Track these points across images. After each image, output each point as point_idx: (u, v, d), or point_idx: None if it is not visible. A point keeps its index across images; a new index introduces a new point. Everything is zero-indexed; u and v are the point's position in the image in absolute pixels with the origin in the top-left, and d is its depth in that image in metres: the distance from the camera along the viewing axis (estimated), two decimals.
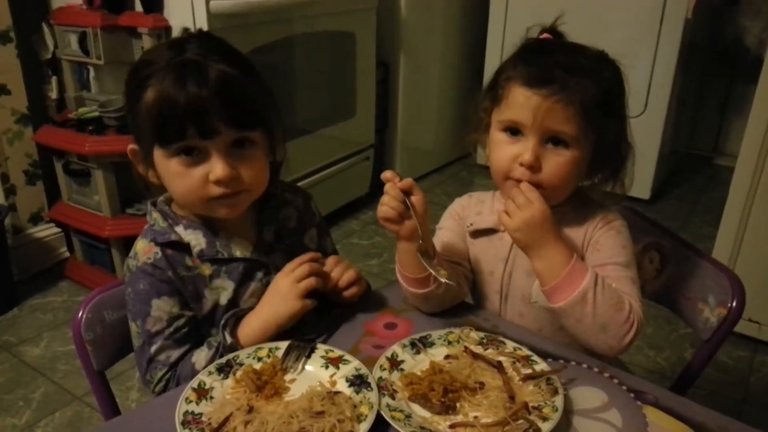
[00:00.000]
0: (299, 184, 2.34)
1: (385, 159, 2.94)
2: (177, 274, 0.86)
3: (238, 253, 0.89)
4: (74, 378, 1.71)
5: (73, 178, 2.08)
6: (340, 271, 0.91)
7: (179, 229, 0.88)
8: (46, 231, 2.25)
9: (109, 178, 1.98)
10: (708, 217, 2.71)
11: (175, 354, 0.86)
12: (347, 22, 2.45)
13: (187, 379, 0.82)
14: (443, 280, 0.82)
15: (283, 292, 0.86)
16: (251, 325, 0.86)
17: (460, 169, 3.27)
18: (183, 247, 0.87)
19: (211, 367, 0.78)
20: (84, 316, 0.91)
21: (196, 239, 0.87)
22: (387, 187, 0.85)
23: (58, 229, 2.26)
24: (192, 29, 1.82)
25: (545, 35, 0.91)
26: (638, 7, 2.61)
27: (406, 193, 0.84)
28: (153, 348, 0.85)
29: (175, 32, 1.90)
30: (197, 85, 0.78)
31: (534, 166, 0.86)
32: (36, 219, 2.22)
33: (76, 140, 1.94)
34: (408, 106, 2.89)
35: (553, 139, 0.86)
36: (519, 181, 0.86)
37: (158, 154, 0.82)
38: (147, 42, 1.88)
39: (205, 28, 1.86)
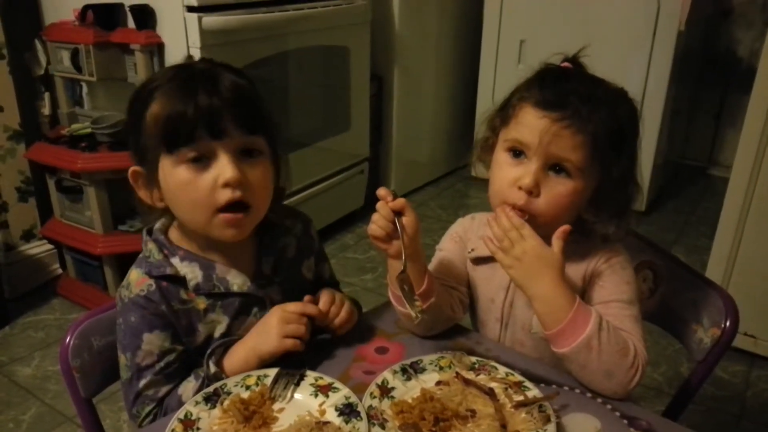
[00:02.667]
0: (294, 197, 2.34)
1: (380, 172, 2.93)
2: (171, 307, 0.84)
3: (235, 288, 0.87)
4: (65, 398, 1.69)
5: (66, 194, 2.07)
6: (334, 313, 0.89)
7: (175, 261, 0.86)
8: (38, 248, 2.23)
9: (101, 194, 1.97)
10: (703, 229, 2.70)
11: (164, 389, 0.84)
12: (341, 36, 2.45)
13: (174, 410, 0.81)
14: (413, 314, 0.81)
15: (269, 328, 0.84)
16: (238, 353, 0.85)
17: (455, 181, 3.26)
18: (178, 280, 0.85)
19: (198, 397, 0.76)
20: (71, 342, 0.89)
21: (192, 272, 0.85)
22: (379, 205, 0.84)
23: (50, 246, 2.25)
24: (187, 48, 1.86)
25: (566, 64, 0.90)
26: (631, 19, 2.62)
27: (398, 213, 0.83)
28: (142, 383, 0.83)
29: (168, 49, 1.91)
30: (209, 89, 0.78)
31: (532, 191, 0.84)
32: (28, 236, 2.21)
33: (68, 157, 1.93)
34: (402, 119, 2.89)
35: (556, 167, 0.84)
36: (514, 206, 0.84)
37: (165, 164, 0.80)
38: (139, 59, 1.87)
39: (198, 44, 1.86)
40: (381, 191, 0.84)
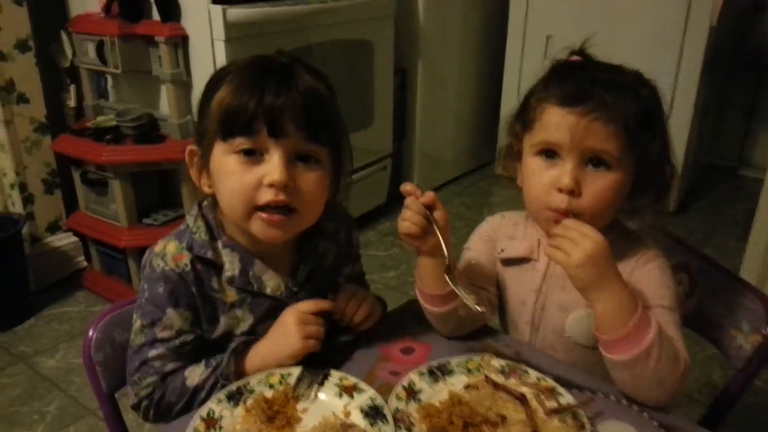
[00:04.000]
0: None
1: (403, 168, 2.90)
2: (201, 291, 0.82)
3: (268, 290, 0.85)
4: (89, 391, 1.66)
5: (91, 187, 2.08)
6: (353, 310, 0.87)
7: (218, 245, 0.84)
8: (63, 240, 2.25)
9: (126, 187, 1.97)
10: (734, 230, 2.64)
11: (171, 365, 0.82)
12: (364, 30, 2.43)
13: (175, 391, 0.81)
14: (477, 308, 0.75)
15: (287, 330, 0.81)
16: (252, 359, 0.82)
17: (478, 179, 3.23)
18: (215, 267, 0.83)
19: (221, 395, 0.75)
20: (94, 336, 0.89)
21: (231, 262, 0.83)
22: (408, 201, 0.80)
23: (75, 239, 2.26)
24: (211, 41, 1.84)
25: (575, 57, 0.87)
26: (661, 13, 2.56)
27: (429, 207, 0.80)
28: (153, 353, 0.82)
29: (193, 42, 1.90)
30: (279, 84, 0.75)
31: (574, 191, 0.80)
32: (54, 228, 2.22)
33: (93, 149, 1.94)
34: (426, 115, 2.86)
35: (594, 161, 0.80)
36: (557, 211, 0.81)
37: (218, 150, 0.78)
38: (164, 51, 1.87)
39: (222, 36, 1.85)
40: (407, 187, 0.80)
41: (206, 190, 0.83)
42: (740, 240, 2.50)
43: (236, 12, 1.86)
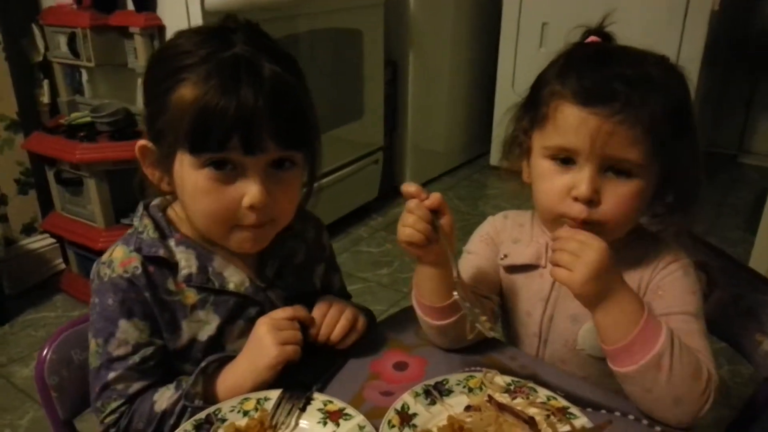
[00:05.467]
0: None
1: (395, 162, 2.81)
2: (155, 296, 0.73)
3: (231, 286, 0.76)
4: None
5: (66, 187, 1.98)
6: (330, 325, 0.77)
7: (171, 243, 0.75)
8: (40, 242, 2.15)
9: (102, 187, 1.87)
10: (736, 220, 2.56)
11: (136, 386, 0.73)
12: (354, 18, 2.33)
13: (143, 417, 0.72)
14: (491, 333, 0.67)
15: (260, 339, 0.73)
16: (225, 377, 0.74)
17: (472, 171, 3.14)
18: (169, 266, 0.75)
19: (188, 425, 0.66)
20: (48, 356, 0.79)
21: (186, 260, 0.75)
22: (411, 205, 0.70)
23: (52, 240, 2.16)
24: (190, 23, 1.74)
25: (593, 38, 0.76)
26: None
27: (434, 212, 0.70)
28: (111, 375, 0.73)
29: (169, 32, 1.79)
30: (251, 89, 0.66)
31: (592, 200, 0.71)
32: (29, 230, 2.12)
33: (66, 147, 1.83)
34: (418, 107, 2.77)
35: (614, 168, 0.71)
36: (574, 221, 0.72)
37: (184, 161, 0.70)
38: (139, 42, 1.76)
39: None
40: (411, 188, 0.71)
41: (165, 188, 0.75)
42: (743, 229, 2.42)
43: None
